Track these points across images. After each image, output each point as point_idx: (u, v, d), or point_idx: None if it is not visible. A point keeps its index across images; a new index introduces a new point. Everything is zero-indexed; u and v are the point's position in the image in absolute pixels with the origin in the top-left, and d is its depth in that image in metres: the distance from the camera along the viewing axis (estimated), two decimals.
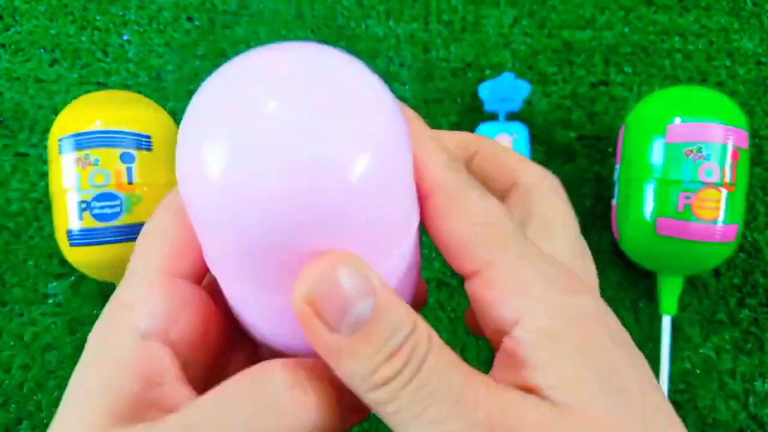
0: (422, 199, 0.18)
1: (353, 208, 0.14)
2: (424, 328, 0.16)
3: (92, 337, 0.17)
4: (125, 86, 0.49)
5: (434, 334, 0.16)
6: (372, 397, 0.15)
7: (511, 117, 0.47)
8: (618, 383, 0.15)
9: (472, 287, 0.17)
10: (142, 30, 0.50)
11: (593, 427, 0.14)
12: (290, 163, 0.13)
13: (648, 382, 0.16)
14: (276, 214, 0.14)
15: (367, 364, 0.15)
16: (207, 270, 0.18)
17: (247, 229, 0.14)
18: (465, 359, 0.17)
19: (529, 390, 0.15)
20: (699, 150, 0.38)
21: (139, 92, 0.47)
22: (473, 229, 0.17)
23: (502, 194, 0.22)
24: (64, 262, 0.45)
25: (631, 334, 0.19)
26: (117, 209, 0.37)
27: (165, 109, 0.42)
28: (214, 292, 0.19)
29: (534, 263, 0.17)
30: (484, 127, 0.45)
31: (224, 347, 0.20)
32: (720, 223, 0.38)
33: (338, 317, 0.14)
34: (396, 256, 0.17)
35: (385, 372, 0.14)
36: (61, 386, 0.44)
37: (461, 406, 0.15)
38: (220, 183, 0.14)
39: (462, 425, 0.14)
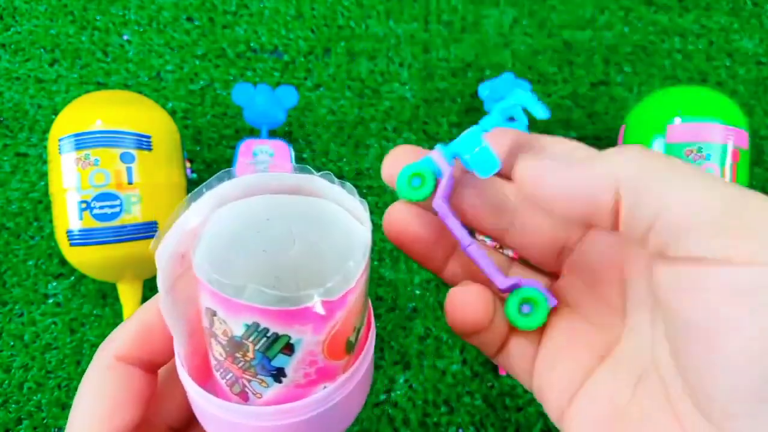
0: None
1: None
2: None
3: None
4: (125, 86, 0.49)
5: None
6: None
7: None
8: None
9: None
10: (142, 30, 0.50)
11: None
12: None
13: None
14: None
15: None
16: (142, 420, 0.20)
17: None
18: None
19: None
20: (699, 150, 0.38)
21: (139, 92, 0.47)
22: None
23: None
24: (64, 262, 0.45)
25: None
26: (117, 209, 0.37)
27: (165, 109, 0.42)
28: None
29: None
30: None
31: None
32: None
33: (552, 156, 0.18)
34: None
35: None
36: (61, 386, 0.44)
37: None
38: None
39: None
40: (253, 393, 0.18)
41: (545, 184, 0.18)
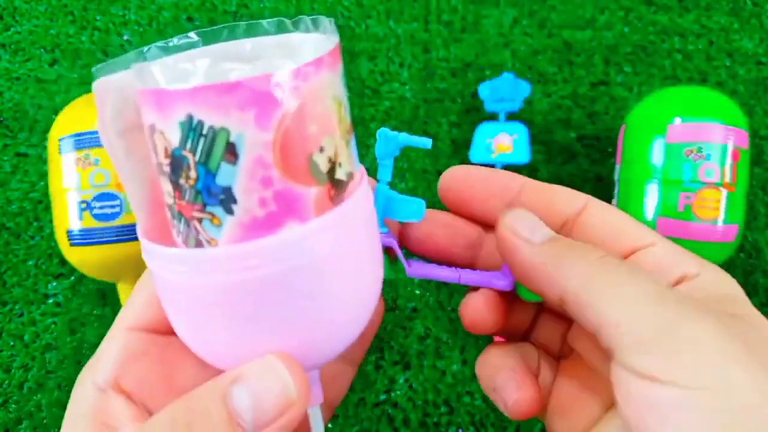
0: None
1: None
2: None
3: (73, 390, 0.20)
4: None
5: None
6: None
7: (511, 117, 0.47)
8: None
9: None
10: (142, 30, 0.50)
11: None
12: None
13: None
14: None
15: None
16: (160, 386, 0.20)
17: None
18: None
19: None
20: (699, 150, 0.38)
21: None
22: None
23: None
24: (64, 262, 0.45)
25: None
26: (117, 209, 0.37)
27: None
28: None
29: None
30: (484, 127, 0.45)
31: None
32: (720, 223, 0.38)
33: (531, 231, 0.19)
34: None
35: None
36: (61, 386, 0.44)
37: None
38: None
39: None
40: (207, 240, 0.16)
41: (514, 257, 0.20)
